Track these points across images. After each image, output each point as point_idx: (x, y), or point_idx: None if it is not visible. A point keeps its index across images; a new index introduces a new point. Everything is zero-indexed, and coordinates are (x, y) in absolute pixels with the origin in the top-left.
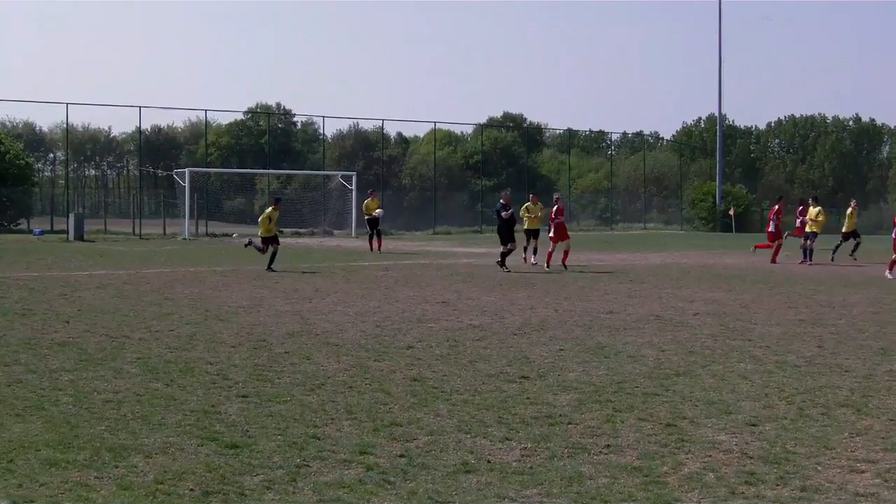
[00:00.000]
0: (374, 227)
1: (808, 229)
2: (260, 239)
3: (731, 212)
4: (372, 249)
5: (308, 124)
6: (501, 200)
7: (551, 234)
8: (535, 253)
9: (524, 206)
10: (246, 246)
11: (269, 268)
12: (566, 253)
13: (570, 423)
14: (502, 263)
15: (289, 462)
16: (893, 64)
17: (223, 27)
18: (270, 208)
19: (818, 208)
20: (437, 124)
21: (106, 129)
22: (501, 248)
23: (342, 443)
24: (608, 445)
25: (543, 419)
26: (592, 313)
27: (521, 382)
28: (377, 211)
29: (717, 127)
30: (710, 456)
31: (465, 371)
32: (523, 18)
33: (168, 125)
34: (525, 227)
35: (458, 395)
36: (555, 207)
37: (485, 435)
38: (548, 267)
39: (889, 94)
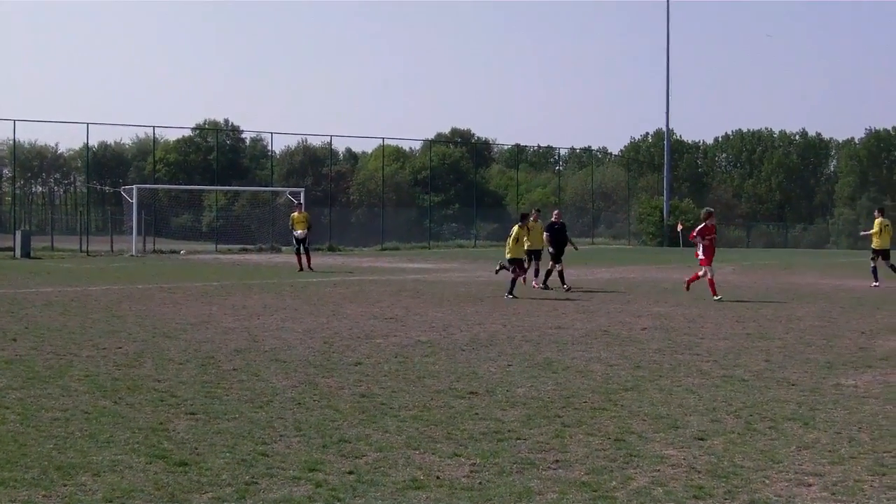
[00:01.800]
0: (300, 243)
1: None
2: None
3: (679, 227)
4: (301, 268)
5: (256, 140)
6: (552, 219)
7: (701, 256)
8: (536, 275)
9: (516, 228)
10: (497, 272)
11: (510, 293)
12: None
13: (518, 439)
14: (562, 282)
15: (238, 479)
16: (839, 78)
17: (171, 43)
18: (517, 227)
19: (879, 220)
20: (385, 140)
21: (53, 145)
22: (551, 265)
23: (291, 460)
24: (557, 460)
25: (492, 435)
26: (541, 328)
27: (470, 398)
28: (298, 233)
29: (665, 142)
30: (658, 470)
31: (414, 387)
32: (472, 34)
33: (116, 141)
34: (525, 247)
35: (407, 412)
36: (700, 226)
37: (433, 451)
38: (715, 296)
39: (835, 108)
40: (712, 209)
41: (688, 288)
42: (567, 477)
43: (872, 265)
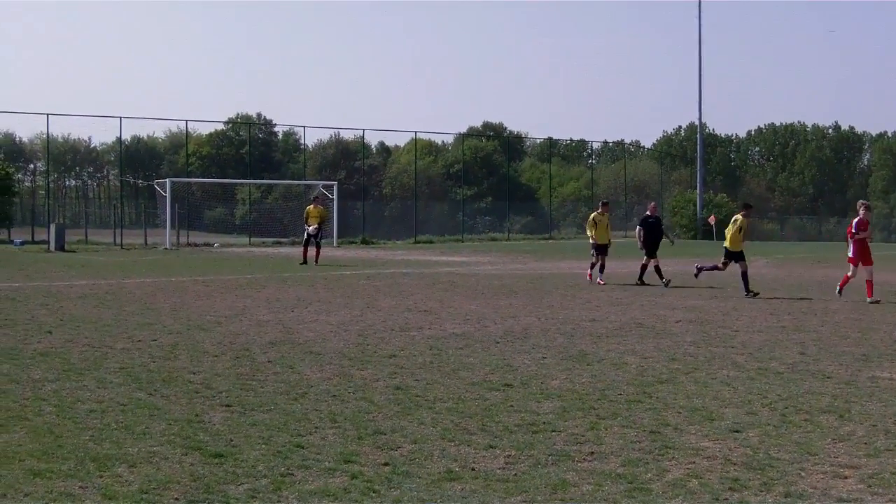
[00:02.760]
0: (311, 237)
1: None
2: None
3: (712, 220)
4: (305, 261)
5: (289, 134)
6: (647, 212)
7: (850, 255)
8: (602, 270)
9: (591, 217)
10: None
11: (748, 291)
12: (869, 284)
13: (553, 431)
14: (660, 277)
15: (273, 471)
16: (872, 71)
17: (204, 37)
18: (741, 216)
19: None
20: (417, 134)
21: (86, 139)
22: (643, 261)
23: (326, 451)
24: (592, 452)
25: (527, 427)
26: (575, 321)
27: (505, 390)
28: (310, 228)
29: (698, 135)
30: (693, 462)
31: (449, 379)
32: (504, 28)
33: (149, 135)
34: (594, 242)
35: (442, 404)
36: (856, 219)
37: (468, 443)
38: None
39: (868, 101)
40: (867, 201)
41: (840, 293)
42: (602, 469)
43: None
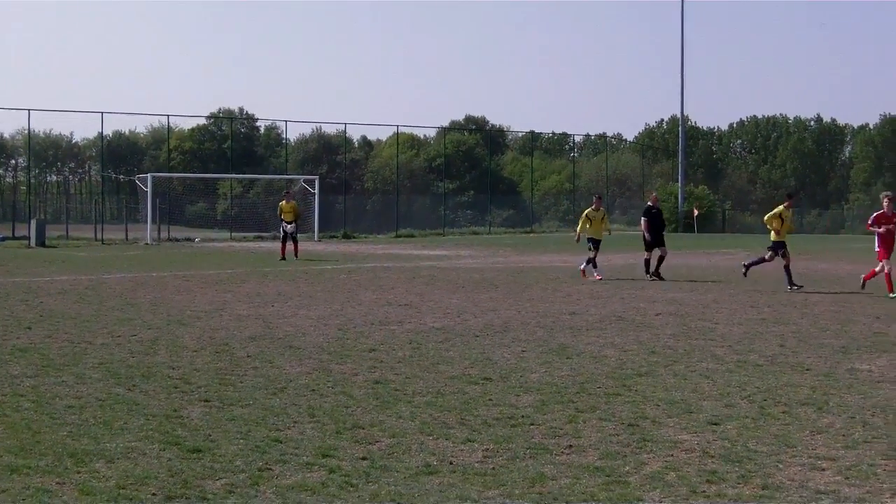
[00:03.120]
0: (287, 234)
1: None
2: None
3: (695, 212)
4: (283, 256)
5: (271, 128)
6: (649, 203)
7: (878, 248)
8: (595, 266)
9: (585, 214)
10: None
11: (791, 284)
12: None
13: (532, 424)
14: (647, 271)
15: (251, 466)
16: (854, 64)
17: (185, 32)
18: (783, 206)
19: None
20: (399, 128)
21: (68, 134)
22: (645, 255)
23: (304, 446)
24: (570, 446)
25: (506, 420)
26: (554, 314)
27: (484, 384)
28: (288, 227)
29: (679, 128)
30: (671, 455)
31: (428, 373)
32: (487, 21)
33: (130, 130)
34: (588, 236)
35: (421, 398)
36: (877, 212)
37: (447, 437)
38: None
39: (850, 93)
40: (891, 192)
41: (863, 286)
42: (580, 462)
43: None
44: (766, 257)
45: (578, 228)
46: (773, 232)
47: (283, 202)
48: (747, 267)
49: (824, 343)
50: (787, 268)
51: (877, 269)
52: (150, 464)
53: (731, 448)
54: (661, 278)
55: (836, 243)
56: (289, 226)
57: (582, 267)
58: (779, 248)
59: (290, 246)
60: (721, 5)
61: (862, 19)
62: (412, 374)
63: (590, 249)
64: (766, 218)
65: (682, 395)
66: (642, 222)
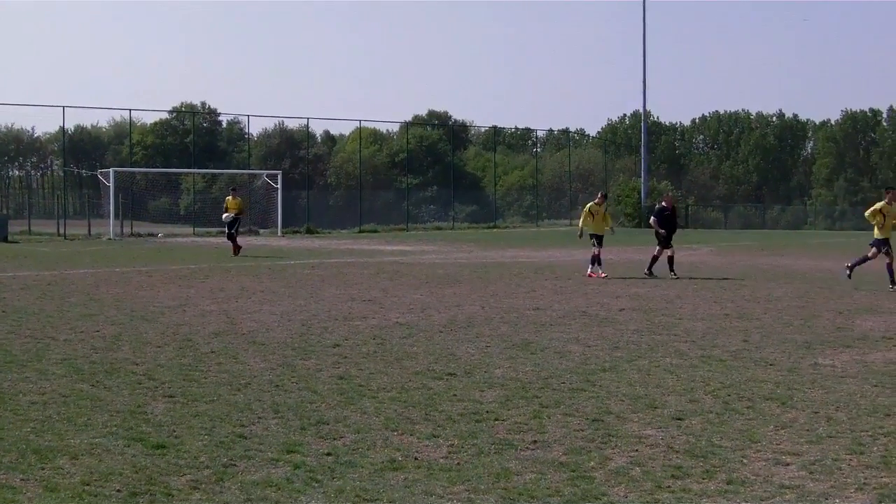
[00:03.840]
0: (231, 228)
1: None
2: None
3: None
4: (236, 253)
5: (233, 123)
6: (663, 203)
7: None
8: (600, 264)
9: (587, 208)
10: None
11: (893, 283)
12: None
13: (496, 420)
14: (649, 268)
15: (216, 462)
16: (816, 59)
17: (147, 25)
18: (884, 202)
19: None
20: (362, 122)
21: (29, 129)
22: (656, 251)
23: (269, 442)
24: (535, 441)
25: (470, 416)
26: (519, 310)
27: (448, 379)
28: (225, 216)
29: (642, 123)
30: (636, 450)
31: (392, 368)
32: (449, 16)
33: (92, 125)
34: (590, 231)
35: (385, 393)
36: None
37: (411, 432)
38: None
39: (812, 89)
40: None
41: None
42: (545, 457)
43: None
44: (870, 255)
45: (581, 223)
46: (875, 228)
47: (230, 197)
48: (851, 268)
49: (788, 338)
50: (889, 266)
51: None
52: (114, 460)
53: (695, 443)
54: (652, 275)
55: (798, 239)
56: (225, 216)
57: (589, 271)
58: (882, 245)
59: (236, 242)
60: (683, 1)
61: (824, 15)
62: (376, 370)
63: (593, 245)
64: (866, 214)
65: (646, 391)
66: (652, 220)
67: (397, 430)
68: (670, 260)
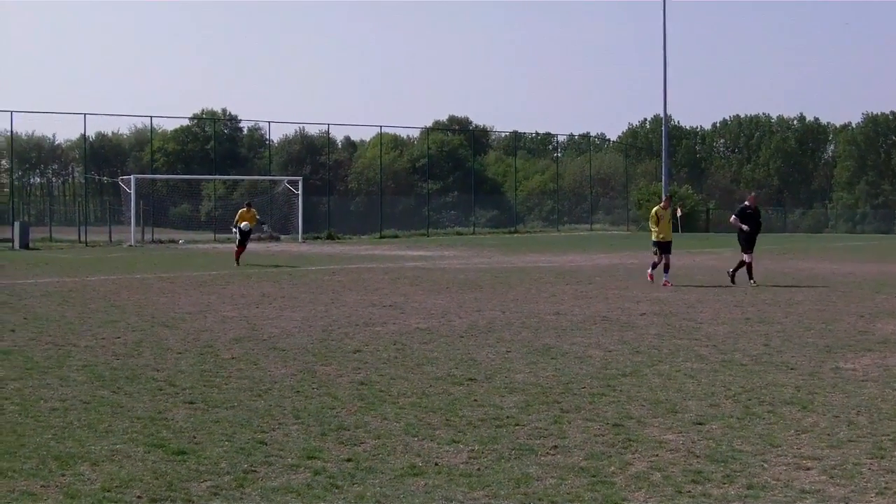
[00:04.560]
0: (246, 239)
1: None
2: None
3: (678, 212)
4: (238, 263)
5: (254, 129)
6: (746, 202)
7: None
8: (666, 270)
9: (653, 211)
10: None
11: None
12: None
13: (517, 425)
14: (750, 276)
15: (236, 468)
16: (837, 62)
17: (168, 33)
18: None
19: None
20: (383, 128)
21: (51, 136)
22: (745, 257)
23: (289, 448)
24: (555, 446)
25: (491, 421)
26: (539, 315)
27: (469, 385)
28: (243, 224)
29: (663, 127)
30: (656, 455)
31: (412, 374)
32: (469, 21)
33: (113, 132)
34: (654, 238)
35: (406, 399)
36: None
37: (432, 438)
38: None
39: (833, 92)
40: None
41: None
42: (566, 462)
43: None
44: None
45: (653, 227)
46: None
47: (244, 210)
48: None
49: (808, 342)
50: (739, 262)
51: None
52: (134, 466)
53: (715, 448)
54: (733, 282)
55: (819, 242)
56: (244, 224)
57: (650, 272)
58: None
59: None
60: (704, 4)
61: (845, 18)
62: (397, 376)
63: (655, 253)
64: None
65: (666, 395)
66: (733, 219)
67: (417, 435)
68: (749, 267)
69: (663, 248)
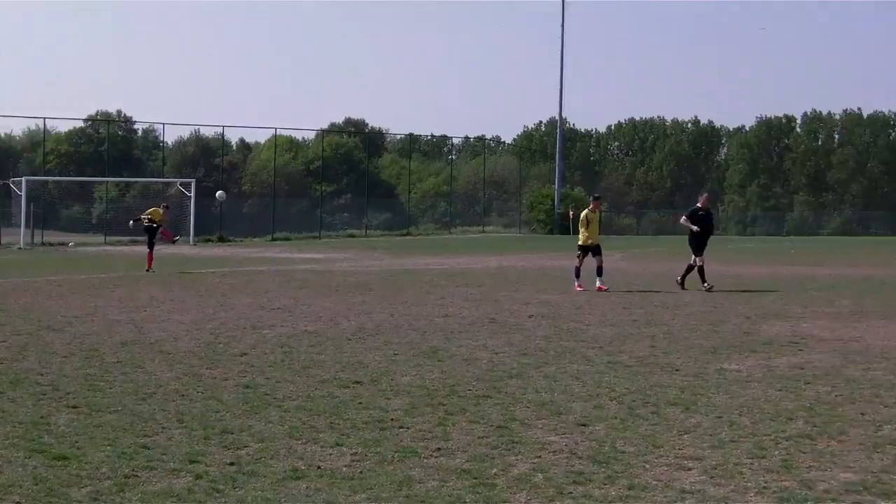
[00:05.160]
0: (153, 237)
1: None
2: None
3: (571, 214)
4: (150, 267)
5: (148, 131)
6: (698, 203)
7: None
8: (599, 274)
9: (583, 215)
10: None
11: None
12: None
13: (401, 428)
14: (703, 280)
15: (117, 472)
16: (732, 66)
17: (62, 32)
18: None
19: None
20: (278, 130)
21: None
22: (696, 261)
23: (172, 452)
24: (439, 448)
25: (375, 424)
26: (428, 317)
27: (354, 387)
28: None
29: (558, 130)
30: (539, 457)
31: (299, 377)
32: (365, 22)
33: (6, 133)
34: (581, 241)
35: (291, 402)
36: None
37: (315, 441)
38: None
39: (728, 96)
40: None
41: None
42: (448, 465)
43: None
44: None
45: (582, 231)
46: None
47: (158, 209)
48: None
49: (694, 344)
50: (687, 267)
51: None
52: (14, 472)
53: (598, 449)
54: (682, 287)
55: (710, 244)
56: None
57: (577, 282)
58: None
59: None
60: (602, 6)
61: (739, 22)
62: (283, 379)
63: (578, 257)
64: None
65: (551, 397)
66: (683, 220)
67: (301, 438)
68: (700, 270)
69: (593, 251)
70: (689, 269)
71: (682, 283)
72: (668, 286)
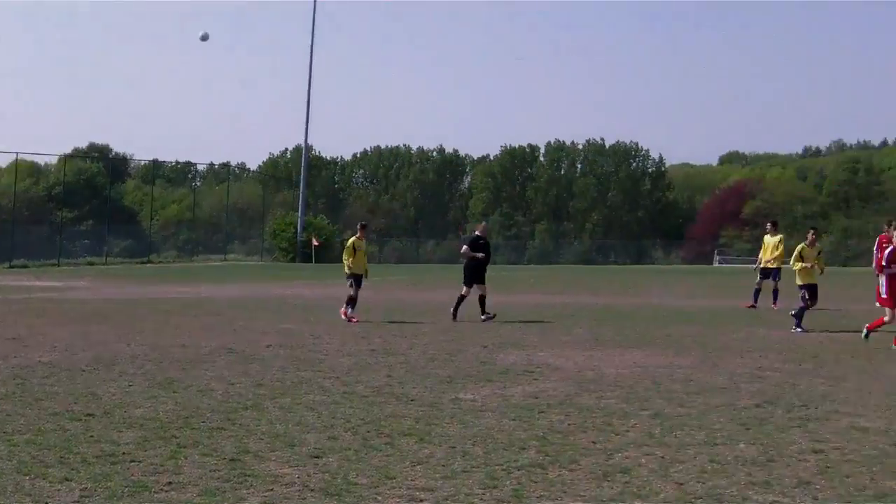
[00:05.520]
0: None
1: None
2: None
3: (314, 242)
4: None
5: None
6: (477, 232)
7: (884, 295)
8: (353, 305)
9: (350, 243)
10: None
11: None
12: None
13: (132, 461)
14: (454, 309)
15: None
16: (477, 96)
17: None
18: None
19: (778, 237)
20: (19, 154)
21: None
22: (463, 291)
23: None
24: (170, 483)
25: (106, 458)
26: (165, 347)
27: (86, 420)
28: None
29: (303, 157)
30: (271, 490)
31: (30, 409)
32: (110, 44)
33: None
34: (347, 271)
35: (20, 436)
36: (889, 248)
37: (44, 476)
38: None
39: (473, 124)
40: None
41: (867, 336)
42: (179, 499)
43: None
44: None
45: (346, 259)
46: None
47: None
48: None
49: (431, 373)
50: (459, 297)
51: (885, 317)
52: None
53: (331, 481)
54: (490, 317)
55: (450, 273)
56: None
57: (344, 309)
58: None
59: None
60: (349, 36)
61: (486, 51)
62: (13, 412)
63: (350, 286)
64: (796, 263)
65: (286, 428)
66: (464, 251)
67: (30, 474)
68: (481, 300)
69: (358, 280)
70: (461, 299)
71: (454, 315)
72: (407, 315)
